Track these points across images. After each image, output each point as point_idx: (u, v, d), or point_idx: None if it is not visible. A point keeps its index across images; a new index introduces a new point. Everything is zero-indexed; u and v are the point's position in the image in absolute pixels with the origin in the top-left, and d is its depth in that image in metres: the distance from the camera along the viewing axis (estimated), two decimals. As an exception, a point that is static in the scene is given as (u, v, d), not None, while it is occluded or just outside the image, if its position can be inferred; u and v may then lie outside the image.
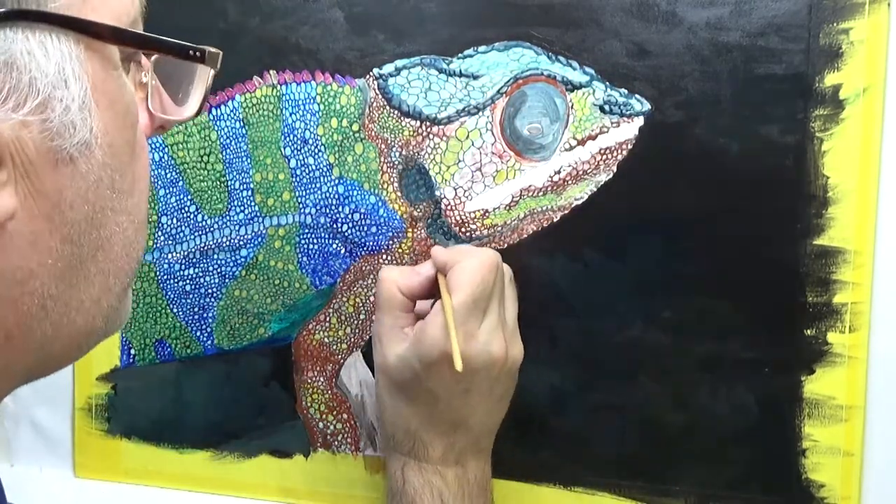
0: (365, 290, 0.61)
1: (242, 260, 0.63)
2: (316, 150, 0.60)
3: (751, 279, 0.53)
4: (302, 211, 0.61)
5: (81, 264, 0.34)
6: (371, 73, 0.59)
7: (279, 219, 0.62)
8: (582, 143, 0.55)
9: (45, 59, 0.31)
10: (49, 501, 0.68)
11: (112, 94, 0.34)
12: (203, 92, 0.40)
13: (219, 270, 0.63)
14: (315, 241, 0.61)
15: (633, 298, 0.55)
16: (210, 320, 0.64)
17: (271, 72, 0.61)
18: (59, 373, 0.68)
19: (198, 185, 0.63)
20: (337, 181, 0.60)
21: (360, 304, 0.61)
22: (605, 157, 0.55)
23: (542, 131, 0.56)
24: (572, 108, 0.55)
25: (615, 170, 0.55)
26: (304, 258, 0.62)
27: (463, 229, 0.58)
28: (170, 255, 0.64)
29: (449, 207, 0.58)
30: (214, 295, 0.64)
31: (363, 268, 0.60)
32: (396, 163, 0.59)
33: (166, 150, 0.64)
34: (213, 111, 0.62)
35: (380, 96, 0.59)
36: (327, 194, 0.61)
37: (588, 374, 0.57)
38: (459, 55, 0.57)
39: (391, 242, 0.60)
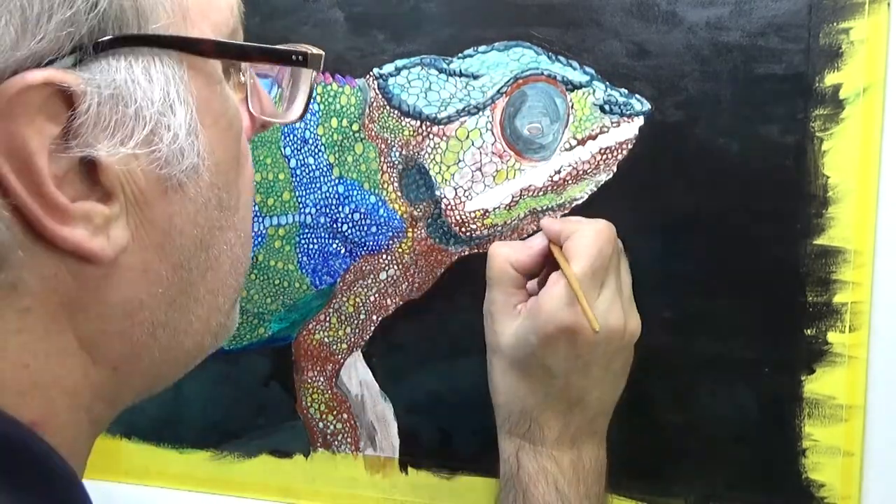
0: (365, 289, 0.61)
1: (242, 260, 0.63)
2: (316, 150, 0.60)
3: (751, 279, 0.53)
4: (302, 211, 0.61)
5: (191, 287, 0.34)
6: (371, 73, 0.59)
7: (279, 219, 0.62)
8: (582, 142, 0.55)
9: (149, 86, 0.30)
10: (49, 501, 0.68)
11: (216, 111, 0.33)
12: (307, 94, 0.39)
13: (219, 270, 0.63)
14: (315, 240, 0.61)
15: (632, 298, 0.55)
16: (210, 320, 0.64)
17: (271, 72, 0.61)
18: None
19: (198, 184, 0.63)
20: (337, 181, 0.60)
21: (360, 304, 0.61)
22: (605, 156, 0.55)
23: (542, 131, 0.56)
24: (572, 107, 0.55)
25: (615, 170, 0.55)
26: (304, 258, 0.62)
27: (463, 229, 0.58)
28: (170, 255, 0.64)
29: (449, 207, 0.58)
30: (214, 295, 0.64)
31: (363, 268, 0.60)
32: (396, 163, 0.59)
33: (166, 149, 0.64)
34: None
35: (380, 96, 0.59)
36: (327, 194, 0.61)
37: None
38: (459, 55, 0.57)
39: (391, 242, 0.60)
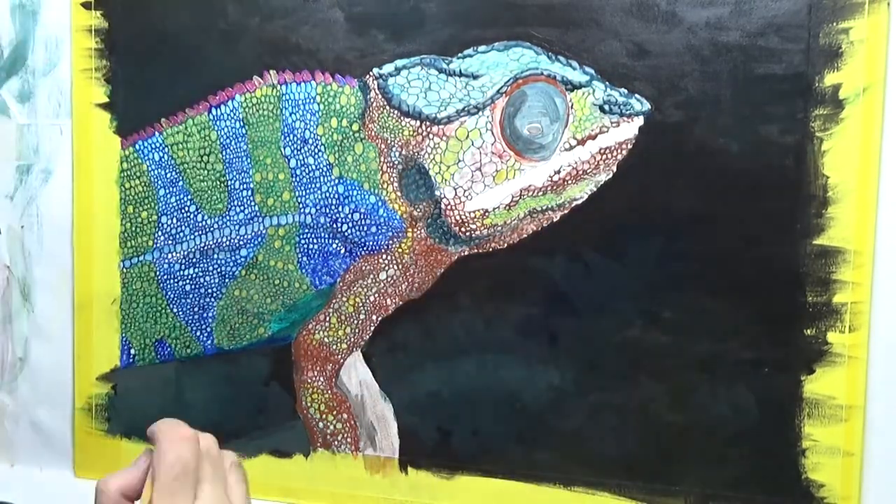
0: (365, 289, 0.61)
1: (242, 260, 0.63)
2: (316, 150, 0.60)
3: (751, 279, 0.53)
4: (302, 211, 0.61)
5: None
6: (371, 73, 0.59)
7: (279, 219, 0.62)
8: (582, 142, 0.55)
9: None
10: (49, 501, 0.68)
11: None
12: None
13: (219, 270, 0.63)
14: (315, 240, 0.61)
15: (633, 298, 0.55)
16: (210, 320, 0.64)
17: (271, 72, 0.61)
18: (59, 373, 0.68)
19: (198, 185, 0.63)
20: (337, 181, 0.60)
21: (360, 304, 0.61)
22: (604, 156, 0.55)
23: (541, 131, 0.56)
24: (572, 107, 0.55)
25: (615, 169, 0.55)
26: (304, 258, 0.62)
27: (463, 229, 0.58)
28: (170, 255, 0.64)
29: (449, 207, 0.58)
30: (214, 295, 0.64)
31: (363, 267, 0.60)
32: (396, 163, 0.59)
33: (166, 149, 0.64)
34: (213, 111, 0.62)
35: (380, 96, 0.59)
36: (327, 194, 0.61)
37: (588, 374, 0.57)
38: (459, 55, 0.57)
39: (391, 242, 0.60)
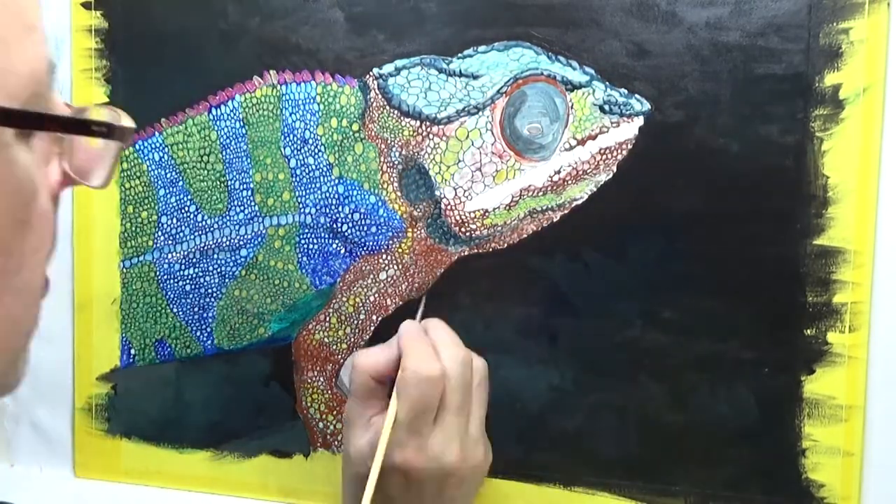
0: (365, 289, 0.61)
1: (242, 260, 0.63)
2: (316, 150, 0.60)
3: (751, 279, 0.53)
4: (302, 211, 0.61)
5: None
6: (371, 73, 0.59)
7: (279, 219, 0.62)
8: (582, 142, 0.55)
9: None
10: (49, 501, 0.68)
11: None
12: (110, 165, 0.37)
13: (219, 270, 0.63)
14: (315, 240, 0.61)
15: (633, 298, 0.55)
16: (210, 320, 0.64)
17: (271, 72, 0.61)
18: (59, 373, 0.68)
19: (198, 185, 0.63)
20: (337, 181, 0.60)
21: (360, 304, 0.61)
22: (604, 156, 0.55)
23: (541, 131, 0.56)
24: (572, 107, 0.55)
25: (615, 170, 0.55)
26: (304, 258, 0.62)
27: (463, 229, 0.58)
28: (170, 255, 0.64)
29: (449, 207, 0.58)
30: (214, 295, 0.64)
31: (363, 268, 0.60)
32: (396, 163, 0.59)
33: (166, 150, 0.64)
34: (213, 111, 0.62)
35: (380, 96, 0.59)
36: (327, 194, 0.61)
37: (588, 374, 0.57)
38: (459, 55, 0.57)
39: (391, 242, 0.60)
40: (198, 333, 0.64)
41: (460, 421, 0.51)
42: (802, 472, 0.53)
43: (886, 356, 0.52)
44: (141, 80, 0.64)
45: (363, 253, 0.60)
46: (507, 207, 0.57)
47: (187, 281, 0.64)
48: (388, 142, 0.59)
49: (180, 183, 0.63)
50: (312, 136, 0.60)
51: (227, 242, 0.63)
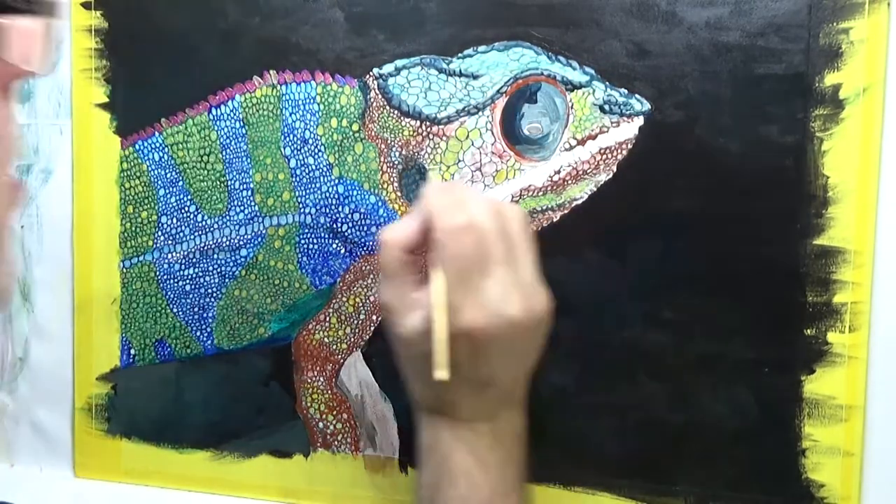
0: (365, 289, 0.61)
1: (242, 260, 0.63)
2: (316, 150, 0.60)
3: (751, 279, 0.53)
4: (302, 211, 0.61)
5: None
6: (371, 73, 0.59)
7: (279, 219, 0.62)
8: (582, 142, 0.55)
9: None
10: (49, 501, 0.68)
11: None
12: (44, 44, 0.36)
13: (219, 270, 0.63)
14: (315, 240, 0.61)
15: (633, 298, 0.55)
16: (210, 320, 0.64)
17: (271, 72, 0.61)
18: (59, 373, 0.68)
19: (198, 185, 0.63)
20: (337, 181, 0.60)
21: (360, 304, 0.61)
22: (604, 156, 0.55)
23: (542, 131, 0.56)
24: (572, 107, 0.55)
25: (615, 170, 0.55)
26: (304, 258, 0.62)
27: (463, 229, 0.58)
28: (170, 255, 0.64)
29: (449, 207, 0.58)
30: (214, 295, 0.64)
31: (363, 268, 0.60)
32: (396, 163, 0.59)
33: (166, 149, 0.64)
34: (213, 111, 0.62)
35: (380, 96, 0.59)
36: (327, 194, 0.61)
37: (588, 374, 0.57)
38: (459, 55, 0.57)
39: (391, 242, 0.60)
40: (198, 333, 0.64)
41: (510, 270, 0.47)
42: (802, 472, 0.54)
43: (886, 356, 0.52)
44: (141, 80, 0.64)
45: (363, 253, 0.60)
46: (507, 207, 0.57)
47: (187, 281, 0.64)
48: (388, 142, 0.59)
49: (180, 183, 0.63)
50: (312, 136, 0.60)
51: (227, 242, 0.63)
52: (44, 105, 0.67)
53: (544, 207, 0.56)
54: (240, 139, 0.62)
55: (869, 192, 0.51)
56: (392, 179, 0.59)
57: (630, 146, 0.55)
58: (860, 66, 0.50)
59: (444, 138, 0.58)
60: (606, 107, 0.55)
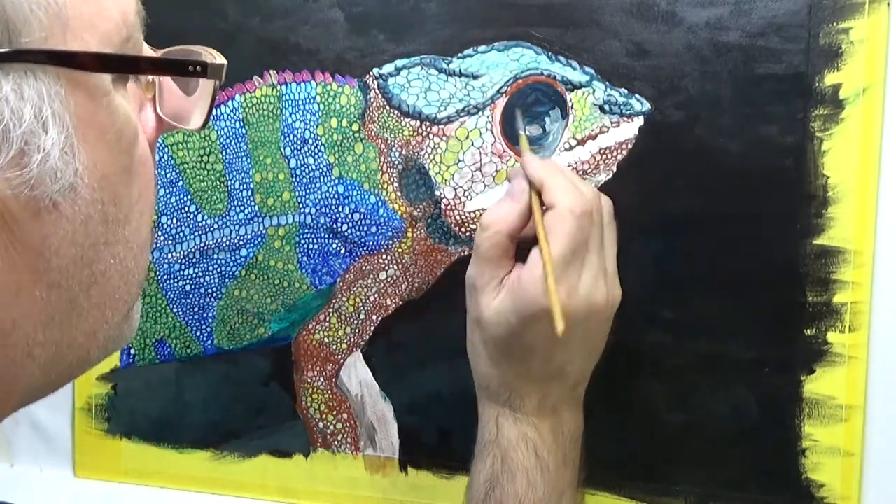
0: (365, 289, 0.61)
1: (242, 260, 0.63)
2: (316, 150, 0.60)
3: (751, 279, 0.53)
4: (302, 211, 0.61)
5: (72, 304, 0.32)
6: (371, 73, 0.59)
7: (279, 219, 0.62)
8: (582, 142, 0.55)
9: (20, 104, 0.27)
10: (49, 501, 0.68)
11: (102, 125, 0.31)
12: (207, 105, 0.37)
13: (219, 270, 0.63)
14: (315, 240, 0.61)
15: (633, 298, 0.55)
16: (210, 320, 0.64)
17: (271, 72, 0.61)
18: (59, 373, 0.68)
19: (198, 185, 0.63)
20: (337, 181, 0.60)
21: (360, 304, 0.61)
22: (604, 156, 0.55)
23: (542, 131, 0.56)
24: (572, 107, 0.55)
25: (615, 170, 0.55)
26: (304, 258, 0.62)
27: (463, 229, 0.58)
28: (170, 255, 0.64)
29: (449, 207, 0.58)
30: (214, 295, 0.64)
31: (363, 268, 0.60)
32: (396, 163, 0.59)
33: (166, 149, 0.64)
34: (213, 111, 0.62)
35: (380, 96, 0.59)
36: (327, 194, 0.61)
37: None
38: (459, 55, 0.57)
39: (391, 242, 0.60)
40: (198, 333, 0.64)
41: (600, 260, 0.49)
42: (802, 472, 0.53)
43: (886, 356, 0.52)
44: (141, 80, 0.64)
45: (363, 253, 0.60)
46: (507, 207, 0.57)
47: (187, 281, 0.64)
48: (388, 142, 0.59)
49: (180, 183, 0.63)
50: (312, 136, 0.60)
51: (227, 242, 0.63)
52: (44, 105, 0.66)
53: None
54: (240, 139, 0.62)
55: (869, 191, 0.51)
56: (392, 179, 0.59)
57: (630, 146, 0.55)
58: (860, 66, 0.50)
59: (444, 138, 0.58)
60: (606, 107, 0.55)
